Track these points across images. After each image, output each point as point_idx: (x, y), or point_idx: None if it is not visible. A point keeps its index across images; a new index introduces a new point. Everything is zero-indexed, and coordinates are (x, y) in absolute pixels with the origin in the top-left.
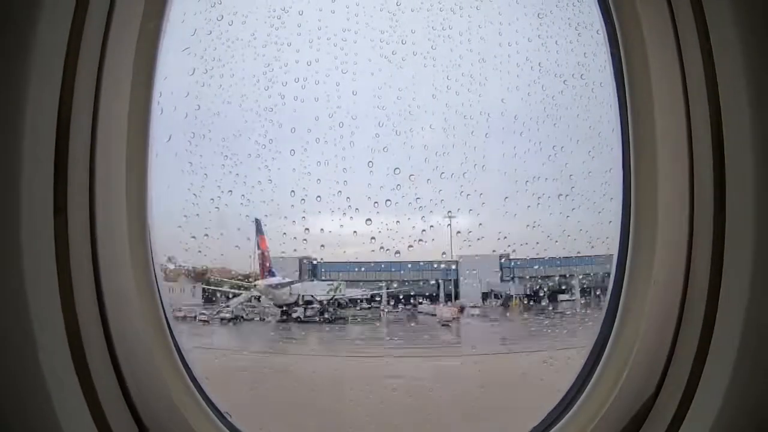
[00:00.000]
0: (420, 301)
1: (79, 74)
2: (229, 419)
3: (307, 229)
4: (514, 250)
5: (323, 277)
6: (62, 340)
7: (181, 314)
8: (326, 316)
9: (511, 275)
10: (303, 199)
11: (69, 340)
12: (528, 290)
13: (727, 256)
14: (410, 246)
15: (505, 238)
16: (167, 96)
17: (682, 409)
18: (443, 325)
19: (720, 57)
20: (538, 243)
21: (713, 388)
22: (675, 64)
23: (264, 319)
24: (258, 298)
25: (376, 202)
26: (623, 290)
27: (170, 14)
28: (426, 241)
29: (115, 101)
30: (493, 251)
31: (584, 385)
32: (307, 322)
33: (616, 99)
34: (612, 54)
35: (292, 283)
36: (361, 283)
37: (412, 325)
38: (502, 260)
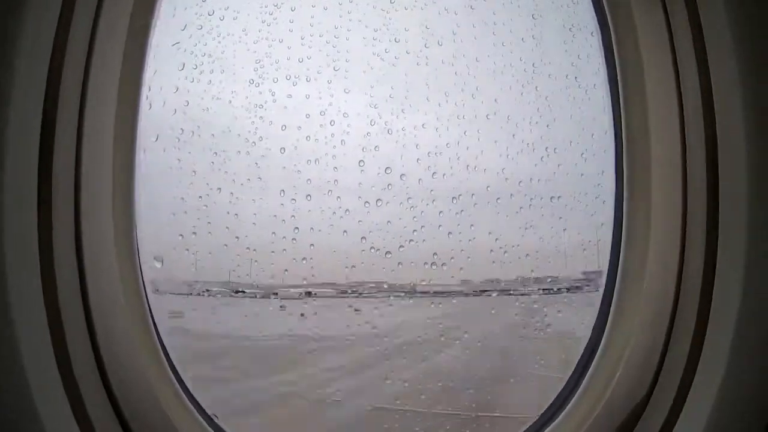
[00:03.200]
0: None
1: (67, 66)
2: (216, 420)
3: (297, 228)
4: (505, 252)
5: None
6: (46, 340)
7: None
8: None
9: None
10: (293, 199)
11: (52, 340)
12: None
13: (720, 259)
14: (401, 246)
15: (496, 240)
16: (156, 91)
17: (674, 411)
18: None
19: (715, 61)
20: (520, 241)
21: (706, 391)
22: (669, 68)
23: None
24: None
25: (366, 202)
26: (615, 292)
27: (161, 8)
28: (417, 242)
29: (103, 95)
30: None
31: (576, 388)
32: None
33: (610, 101)
34: (606, 56)
35: None
36: None
37: None
38: None
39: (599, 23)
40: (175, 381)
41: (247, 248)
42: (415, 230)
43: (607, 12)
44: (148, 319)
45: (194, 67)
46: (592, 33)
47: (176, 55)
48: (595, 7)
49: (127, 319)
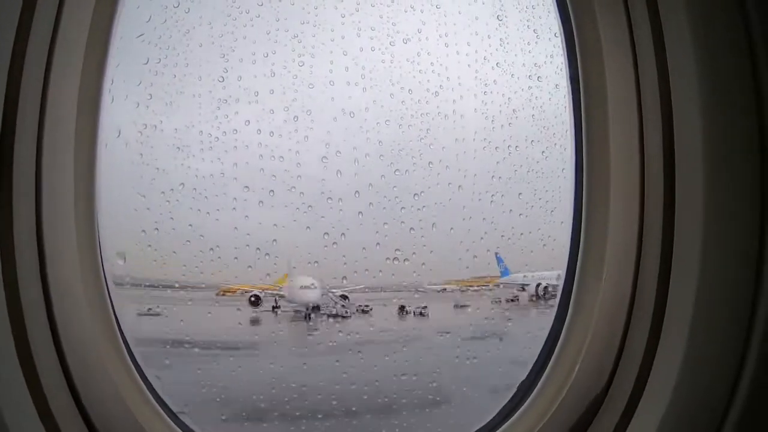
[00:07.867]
0: None
1: (28, 58)
2: (181, 418)
3: (260, 223)
4: (467, 249)
5: None
6: (8, 341)
7: None
8: None
9: None
10: (257, 196)
11: (15, 342)
12: None
13: (676, 253)
14: (364, 245)
15: (458, 236)
16: (119, 84)
17: (632, 403)
18: None
19: (674, 62)
20: (482, 237)
21: (663, 382)
22: (630, 69)
23: None
24: None
25: (329, 198)
26: (574, 287)
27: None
28: (379, 237)
29: (65, 88)
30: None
31: (535, 382)
32: None
33: (571, 101)
34: (569, 57)
35: None
36: None
37: None
38: None
39: (563, 24)
40: (138, 378)
41: (211, 249)
42: (377, 226)
43: (570, 13)
44: (111, 315)
45: (158, 60)
46: (555, 34)
47: (140, 48)
48: (559, 9)
49: (90, 317)
